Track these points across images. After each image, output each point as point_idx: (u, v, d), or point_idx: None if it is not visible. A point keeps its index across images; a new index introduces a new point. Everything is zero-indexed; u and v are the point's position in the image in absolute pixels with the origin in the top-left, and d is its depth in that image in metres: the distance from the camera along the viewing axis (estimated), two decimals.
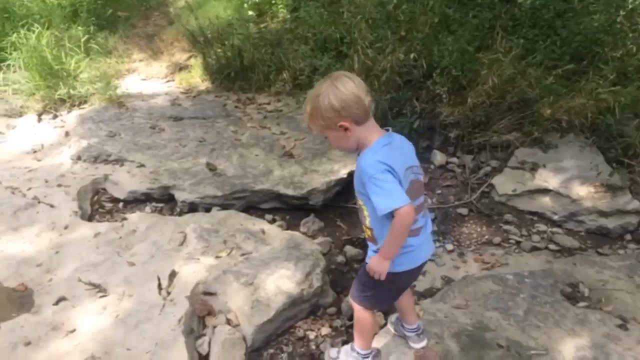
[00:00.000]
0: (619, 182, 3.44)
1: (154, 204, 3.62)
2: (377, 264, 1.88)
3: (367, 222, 1.93)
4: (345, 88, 1.73)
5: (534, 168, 3.78)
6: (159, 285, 2.67)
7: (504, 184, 3.77)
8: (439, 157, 4.13)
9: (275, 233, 3.12)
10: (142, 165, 3.81)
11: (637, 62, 3.95)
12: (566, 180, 3.61)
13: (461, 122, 4.12)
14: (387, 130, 1.87)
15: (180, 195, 3.53)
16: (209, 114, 4.72)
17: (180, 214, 3.50)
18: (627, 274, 2.80)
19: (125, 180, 3.67)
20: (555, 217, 3.54)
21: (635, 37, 4.18)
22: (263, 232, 3.12)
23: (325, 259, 2.93)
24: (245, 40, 5.58)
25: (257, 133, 4.37)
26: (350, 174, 3.78)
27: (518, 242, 3.40)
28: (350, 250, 3.31)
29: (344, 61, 4.64)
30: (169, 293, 2.63)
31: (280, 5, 6.34)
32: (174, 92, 5.36)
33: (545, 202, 3.61)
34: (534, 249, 3.32)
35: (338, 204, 3.77)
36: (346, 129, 1.78)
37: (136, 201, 3.62)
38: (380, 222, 1.86)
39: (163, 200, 3.64)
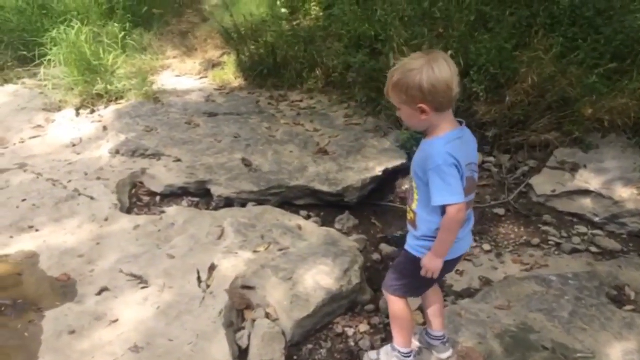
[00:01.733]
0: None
1: (190, 198, 3.66)
2: (430, 261, 1.87)
3: (414, 205, 1.91)
4: (440, 73, 1.68)
5: (574, 169, 3.70)
6: (199, 278, 2.69)
7: (543, 184, 3.70)
8: None
9: (311, 229, 3.12)
10: (179, 160, 3.85)
11: None
12: (608, 181, 3.52)
13: (498, 121, 4.05)
14: (461, 122, 1.84)
15: (216, 190, 3.56)
16: (243, 111, 4.74)
17: (217, 208, 3.52)
18: None
19: (162, 175, 3.71)
20: (596, 219, 3.46)
21: None
22: (300, 227, 3.12)
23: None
24: (279, 37, 5.60)
25: (291, 130, 4.38)
26: (386, 172, 3.77)
27: (558, 244, 3.33)
28: (385, 248, 3.30)
29: (379, 59, 4.61)
30: (208, 286, 2.65)
31: (314, 3, 6.34)
32: (208, 88, 5.41)
33: (585, 204, 3.53)
34: (574, 251, 3.24)
35: (373, 202, 3.75)
36: (423, 112, 1.75)
37: (173, 195, 3.66)
38: (427, 210, 1.85)
39: (199, 195, 3.67)
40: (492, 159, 4.06)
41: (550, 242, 3.36)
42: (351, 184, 3.57)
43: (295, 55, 5.36)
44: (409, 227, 2.00)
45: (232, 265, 2.74)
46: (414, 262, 1.93)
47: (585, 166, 3.68)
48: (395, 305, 2.10)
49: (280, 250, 2.87)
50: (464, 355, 2.23)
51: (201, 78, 5.79)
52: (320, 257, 2.77)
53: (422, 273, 1.89)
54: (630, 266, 2.85)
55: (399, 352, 2.16)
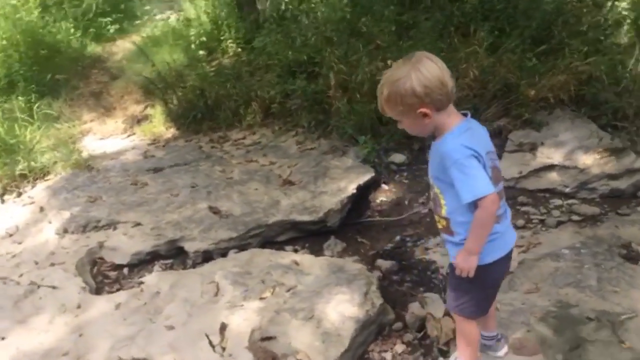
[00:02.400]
0: (620, 144, 3.54)
1: (162, 261, 3.33)
2: (464, 260, 1.75)
3: (444, 211, 1.80)
4: (429, 72, 1.61)
5: (533, 148, 3.83)
6: (210, 342, 2.40)
7: (508, 168, 3.77)
8: None
9: (309, 262, 2.93)
10: (139, 224, 3.51)
11: (601, 34, 4.14)
12: (568, 152, 3.68)
13: None
14: (465, 114, 1.77)
15: (191, 246, 3.27)
16: (189, 159, 4.47)
17: (194, 265, 3.23)
18: None
19: (125, 244, 3.36)
20: (567, 190, 3.58)
21: (590, 12, 4.41)
22: (297, 263, 2.92)
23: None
24: (203, 79, 5.42)
25: (247, 168, 4.18)
26: (359, 188, 3.68)
27: (542, 221, 3.39)
28: (383, 263, 3.17)
29: (317, 81, 4.56)
30: (224, 349, 2.37)
31: (230, 40, 6.23)
32: (141, 144, 5.07)
33: (553, 178, 3.65)
34: (559, 223, 3.32)
35: (352, 221, 3.64)
36: (425, 115, 1.67)
37: (142, 263, 3.31)
38: (460, 211, 1.75)
39: (171, 256, 3.35)
40: None
41: (534, 221, 3.41)
42: (331, 207, 3.44)
43: (226, 94, 5.19)
44: (445, 236, 1.89)
45: (243, 319, 2.48)
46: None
47: (542, 143, 3.82)
48: (464, 324, 1.97)
49: (289, 290, 2.65)
50: (519, 346, 2.15)
51: (129, 136, 5.43)
52: (335, 287, 2.60)
53: (457, 273, 1.78)
54: (626, 224, 2.95)
55: None
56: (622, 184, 3.47)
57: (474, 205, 1.69)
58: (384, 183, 3.94)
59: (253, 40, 5.67)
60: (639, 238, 2.77)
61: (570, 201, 3.52)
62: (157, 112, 5.49)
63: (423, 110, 1.65)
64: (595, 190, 3.53)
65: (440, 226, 1.89)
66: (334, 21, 4.86)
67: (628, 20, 4.68)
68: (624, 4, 4.84)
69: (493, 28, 4.59)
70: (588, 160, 3.57)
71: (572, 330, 2.16)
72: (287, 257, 3.02)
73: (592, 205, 3.43)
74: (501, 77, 4.04)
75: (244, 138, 4.89)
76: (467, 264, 1.77)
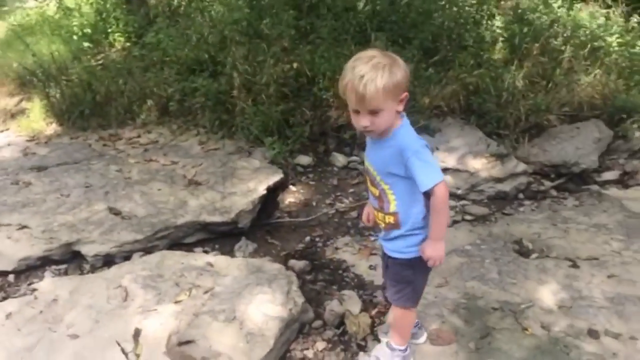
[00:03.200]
0: (504, 150, 3.92)
1: (54, 267, 3.01)
2: (433, 250, 1.82)
3: (393, 206, 1.86)
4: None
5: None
6: (122, 350, 2.23)
7: None
8: (340, 159, 4.22)
9: (225, 263, 2.84)
10: (25, 227, 3.14)
11: (481, 49, 4.58)
12: (460, 157, 3.99)
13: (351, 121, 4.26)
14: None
15: (90, 250, 3.00)
16: (79, 157, 4.11)
17: (94, 270, 2.98)
18: (551, 224, 3.21)
19: (9, 248, 2.98)
20: (459, 192, 3.88)
21: (476, 30, 4.85)
22: (211, 264, 2.82)
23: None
24: (90, 73, 5.02)
25: (147, 167, 3.95)
26: (269, 189, 3.66)
27: (455, 221, 3.62)
28: (296, 264, 3.17)
29: (221, 80, 4.46)
30: (138, 356, 2.21)
31: (118, 34, 5.84)
32: (18, 141, 4.55)
33: (447, 180, 3.93)
34: (455, 222, 3.58)
35: (262, 222, 3.60)
36: (402, 100, 1.73)
37: (30, 269, 2.97)
38: (408, 203, 1.83)
39: (65, 261, 3.05)
40: (355, 157, 4.26)
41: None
42: (242, 208, 3.37)
43: (117, 90, 4.87)
44: (388, 233, 1.94)
45: (158, 324, 2.33)
46: (410, 265, 1.90)
47: (437, 148, 4.10)
48: (406, 315, 2.05)
49: (206, 292, 2.54)
50: (436, 337, 2.28)
51: (2, 131, 4.84)
52: (255, 287, 2.55)
53: (430, 264, 1.85)
54: (515, 222, 3.27)
55: (400, 350, 2.11)
56: (506, 186, 3.85)
57: (422, 195, 1.78)
58: (292, 184, 3.96)
59: (144, 35, 5.38)
60: (528, 235, 3.09)
61: (462, 202, 3.82)
62: (35, 106, 4.97)
63: (405, 94, 1.72)
64: (483, 192, 3.86)
65: (385, 223, 1.92)
66: (231, 21, 4.78)
67: (501, 38, 5.21)
68: (498, 23, 5.38)
69: (387, 39, 4.86)
70: (477, 164, 3.91)
71: (480, 320, 2.34)
72: (200, 258, 2.90)
73: (482, 206, 3.75)
74: None
75: (138, 137, 4.61)
76: (437, 252, 1.83)
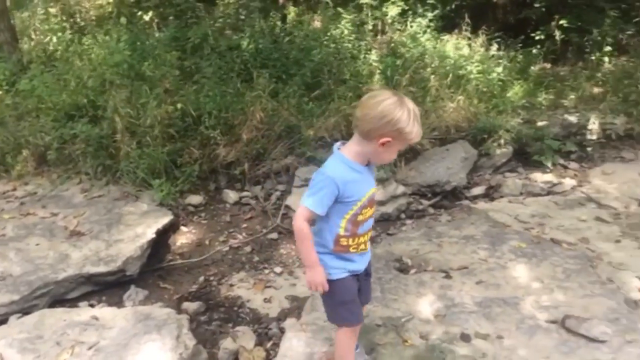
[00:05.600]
0: (385, 175, 4.19)
1: None
2: (307, 275, 1.99)
3: None
4: None
5: None
6: None
7: (297, 202, 4.12)
8: (231, 195, 4.27)
9: (111, 315, 2.75)
10: None
11: (359, 82, 4.90)
12: None
13: (241, 158, 4.35)
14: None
15: None
16: None
17: None
18: (427, 240, 3.47)
19: None
20: None
21: (350, 64, 5.19)
22: (96, 318, 2.71)
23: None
24: None
25: (23, 222, 3.73)
26: (158, 233, 3.61)
27: None
28: (189, 306, 3.14)
29: (102, 125, 4.35)
30: None
31: None
32: None
33: None
34: None
35: (153, 268, 3.53)
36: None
37: None
38: None
39: None
40: (247, 193, 4.33)
41: None
42: (129, 255, 3.29)
43: None
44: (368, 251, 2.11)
45: None
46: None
47: None
48: (346, 334, 2.12)
49: (90, 348, 2.45)
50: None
51: None
52: (143, 336, 2.49)
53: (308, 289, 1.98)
54: (396, 242, 3.49)
55: None
56: (389, 208, 4.10)
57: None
58: (183, 225, 3.93)
59: (17, 83, 5.12)
60: (407, 252, 3.32)
61: None
62: None
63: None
64: None
65: (367, 242, 2.07)
66: (112, 64, 4.72)
67: (378, 70, 5.60)
68: (373, 57, 5.78)
69: (271, 75, 5.05)
70: None
71: (367, 336, 2.48)
72: (85, 313, 2.78)
73: None
74: (284, 119, 4.44)
75: (14, 190, 4.34)
76: (310, 278, 1.99)
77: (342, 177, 1.85)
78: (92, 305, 3.09)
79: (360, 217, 1.95)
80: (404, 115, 1.76)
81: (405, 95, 1.86)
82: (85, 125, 4.32)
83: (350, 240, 1.98)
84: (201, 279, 3.41)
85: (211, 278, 3.43)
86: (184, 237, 3.83)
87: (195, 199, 4.15)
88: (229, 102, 4.52)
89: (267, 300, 3.20)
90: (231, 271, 3.49)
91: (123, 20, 6.05)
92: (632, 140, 5.12)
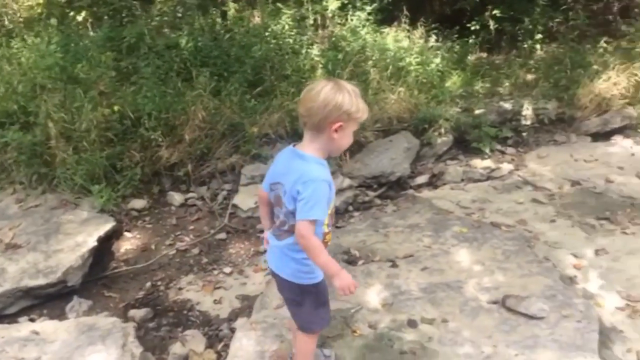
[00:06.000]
0: (331, 168, 4.21)
1: None
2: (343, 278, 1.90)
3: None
4: None
5: (263, 180, 4.24)
6: None
7: (245, 200, 4.11)
8: (176, 197, 4.18)
9: (52, 328, 2.66)
10: None
11: (307, 76, 4.91)
12: None
13: (184, 159, 4.27)
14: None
15: None
16: None
17: None
18: (374, 231, 3.53)
19: None
20: None
21: (291, 59, 5.18)
22: (36, 332, 2.61)
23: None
24: None
25: None
26: (100, 240, 3.50)
27: None
28: (136, 313, 3.07)
29: (35, 131, 4.16)
30: None
31: None
32: None
33: None
34: None
35: (97, 277, 3.42)
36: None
37: None
38: None
39: None
40: (192, 194, 4.25)
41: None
42: (69, 265, 3.17)
43: None
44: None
45: None
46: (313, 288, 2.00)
47: None
48: (310, 340, 2.12)
49: None
50: (276, 357, 2.38)
51: None
52: (87, 347, 2.42)
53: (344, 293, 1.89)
54: (344, 234, 3.53)
55: None
56: (336, 201, 4.11)
57: None
58: (127, 231, 3.83)
59: None
60: (355, 244, 3.36)
61: None
62: None
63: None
64: None
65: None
66: (44, 67, 4.52)
67: (320, 65, 5.61)
68: (315, 52, 5.79)
69: (212, 74, 4.98)
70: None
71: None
72: (24, 328, 2.67)
73: None
74: (227, 118, 4.39)
75: None
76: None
77: (329, 178, 1.88)
78: (32, 320, 2.97)
79: (332, 210, 2.00)
80: (346, 97, 1.79)
81: (339, 78, 1.89)
82: (17, 133, 4.11)
83: (329, 235, 2.03)
84: (148, 284, 3.34)
85: (158, 283, 3.36)
86: (128, 243, 3.73)
87: (139, 203, 4.05)
88: (169, 103, 4.42)
89: (217, 302, 3.17)
90: (179, 274, 3.43)
91: (54, 21, 5.80)
92: (564, 123, 5.39)
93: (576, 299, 2.67)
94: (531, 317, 2.54)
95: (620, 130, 5.25)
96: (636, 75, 5.35)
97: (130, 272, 3.46)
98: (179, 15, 6.73)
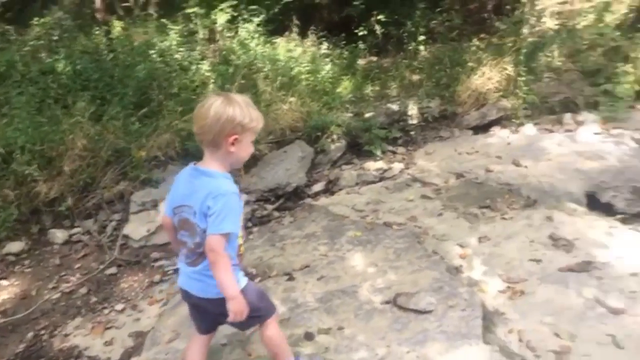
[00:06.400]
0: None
1: None
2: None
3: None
4: None
5: (155, 205, 4.08)
6: None
7: (136, 229, 3.92)
8: (59, 235, 3.91)
9: None
10: None
11: (191, 94, 4.78)
12: None
13: (65, 192, 4.00)
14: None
15: None
16: None
17: None
18: (270, 245, 3.50)
19: None
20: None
21: (179, 76, 5.04)
22: None
23: None
24: None
25: None
26: None
27: (176, 270, 3.64)
28: None
29: None
30: None
31: None
32: None
33: None
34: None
35: None
36: None
37: None
38: None
39: None
40: (78, 229, 3.99)
41: (169, 272, 3.62)
42: None
43: None
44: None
45: None
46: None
47: (163, 199, 4.10)
48: (271, 327, 2.13)
49: None
50: None
51: None
52: None
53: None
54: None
55: None
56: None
57: None
58: (3, 279, 3.51)
59: None
60: (251, 261, 3.28)
61: None
62: None
63: None
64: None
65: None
66: None
67: (212, 80, 5.50)
68: (205, 67, 5.67)
69: (94, 97, 4.72)
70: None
71: (212, 359, 2.41)
72: None
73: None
74: (111, 143, 4.17)
75: None
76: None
77: (236, 190, 1.88)
78: None
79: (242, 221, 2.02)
80: (237, 109, 1.83)
81: (229, 92, 1.91)
82: None
83: (242, 247, 2.06)
84: (29, 335, 3.07)
85: (42, 332, 3.10)
86: (5, 292, 3.41)
87: (15, 246, 3.73)
88: (45, 133, 4.13)
89: (108, 344, 2.97)
90: (65, 319, 3.18)
91: None
92: (447, 119, 5.68)
93: (461, 288, 2.78)
94: (421, 312, 2.61)
95: (497, 122, 5.62)
96: (506, 69, 5.75)
97: (8, 324, 3.16)
98: (55, 38, 6.34)
